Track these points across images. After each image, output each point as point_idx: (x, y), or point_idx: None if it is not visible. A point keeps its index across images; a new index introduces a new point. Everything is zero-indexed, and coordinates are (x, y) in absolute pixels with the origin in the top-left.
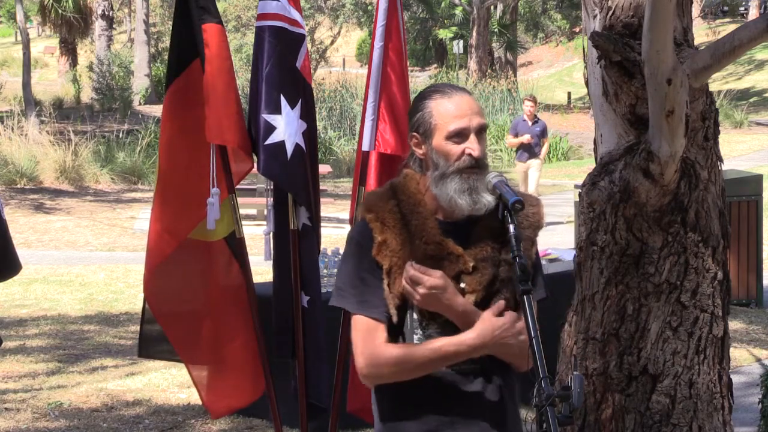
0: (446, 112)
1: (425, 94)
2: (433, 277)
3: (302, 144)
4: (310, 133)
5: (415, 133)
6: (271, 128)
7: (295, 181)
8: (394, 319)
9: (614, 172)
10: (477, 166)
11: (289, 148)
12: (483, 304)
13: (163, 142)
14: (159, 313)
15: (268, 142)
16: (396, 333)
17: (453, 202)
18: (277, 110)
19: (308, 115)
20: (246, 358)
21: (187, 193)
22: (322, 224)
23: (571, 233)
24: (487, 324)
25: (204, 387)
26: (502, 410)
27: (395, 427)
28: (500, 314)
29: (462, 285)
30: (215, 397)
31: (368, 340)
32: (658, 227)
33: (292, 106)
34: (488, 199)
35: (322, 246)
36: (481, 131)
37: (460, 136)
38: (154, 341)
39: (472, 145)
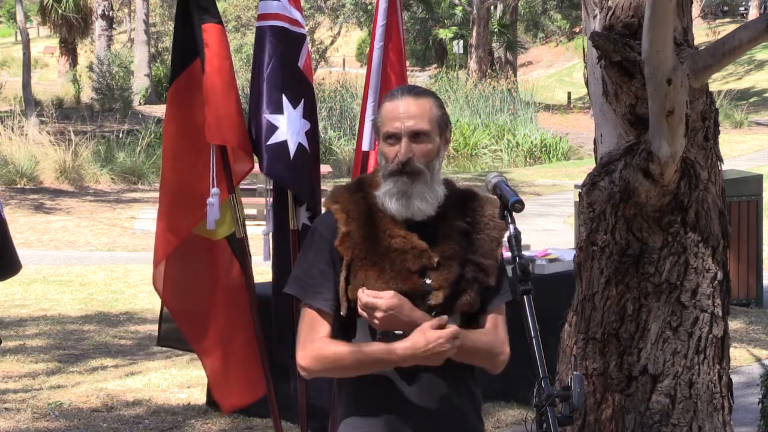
0: (385, 115)
1: (386, 96)
2: (387, 299)
3: (305, 143)
4: (314, 133)
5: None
6: (273, 128)
7: (299, 181)
8: (343, 311)
9: (614, 172)
10: (403, 171)
11: (292, 148)
12: (449, 302)
13: (166, 141)
14: (172, 308)
15: (270, 142)
16: (348, 326)
17: (384, 204)
18: (278, 110)
19: (311, 115)
20: (248, 356)
21: (188, 193)
22: None
23: (571, 233)
24: (422, 336)
25: (216, 384)
26: (457, 415)
27: (358, 425)
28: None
29: (428, 281)
30: (224, 392)
31: (310, 332)
32: (658, 227)
33: (294, 106)
34: (421, 207)
35: None
36: (417, 135)
37: (393, 138)
38: (172, 333)
39: (400, 150)
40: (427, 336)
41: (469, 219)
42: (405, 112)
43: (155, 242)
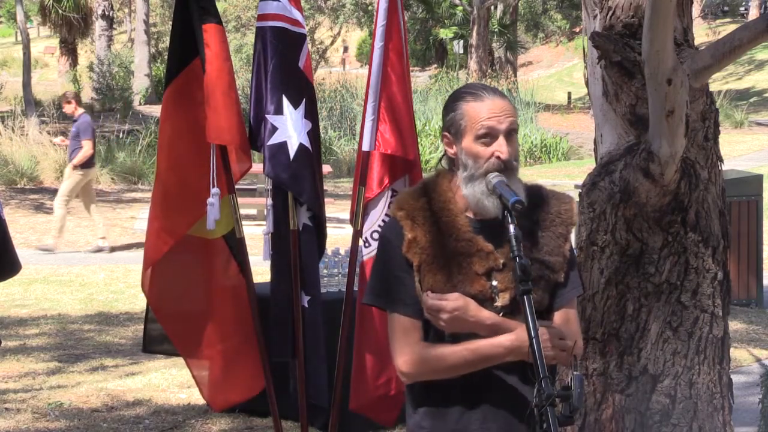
0: (476, 114)
1: (458, 95)
2: (452, 300)
3: (307, 144)
4: (315, 133)
5: (446, 133)
6: (273, 129)
7: (300, 182)
8: (426, 315)
9: (614, 172)
10: (505, 168)
11: (292, 149)
12: (516, 303)
13: (162, 140)
14: (158, 311)
15: (271, 142)
16: (427, 329)
17: (481, 204)
18: (279, 111)
19: (312, 115)
20: (245, 354)
21: (185, 192)
22: None
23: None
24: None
25: (204, 382)
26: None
27: (430, 414)
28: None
29: (494, 282)
30: (215, 391)
31: (406, 339)
32: (658, 227)
33: (295, 107)
34: None
35: None
36: (510, 133)
37: (489, 137)
38: (157, 337)
39: (500, 148)
40: None
41: (534, 217)
42: (500, 111)
43: (147, 243)
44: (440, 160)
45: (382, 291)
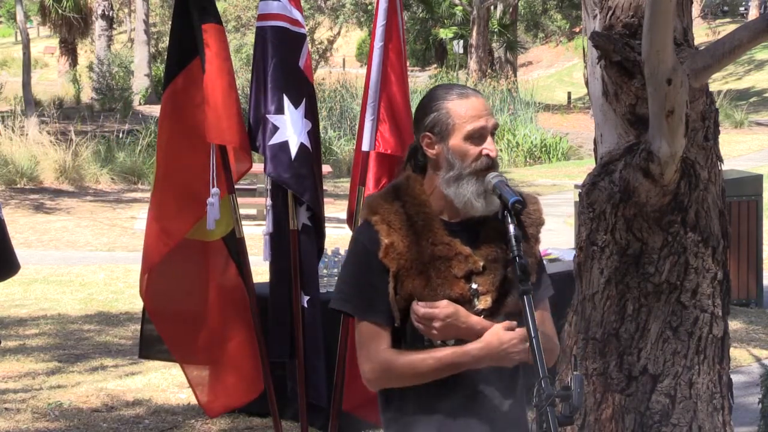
0: (465, 113)
1: (439, 95)
2: (443, 308)
3: (307, 143)
4: (315, 132)
5: (428, 133)
6: (274, 129)
7: (301, 181)
8: (397, 322)
9: (614, 172)
10: (493, 166)
11: (294, 148)
12: (497, 306)
13: (161, 141)
14: (154, 313)
15: (272, 142)
16: (399, 335)
17: (469, 204)
18: (280, 110)
19: (312, 114)
20: (243, 358)
21: (185, 193)
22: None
23: (571, 233)
24: (495, 337)
25: (200, 386)
26: (511, 418)
27: (405, 413)
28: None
29: (474, 286)
30: (211, 396)
31: (372, 346)
32: (658, 227)
33: (296, 106)
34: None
35: None
36: (494, 131)
37: (478, 137)
38: (154, 341)
39: (489, 146)
40: (501, 336)
41: (501, 218)
42: (485, 110)
43: (147, 244)
44: (406, 162)
45: (352, 297)
